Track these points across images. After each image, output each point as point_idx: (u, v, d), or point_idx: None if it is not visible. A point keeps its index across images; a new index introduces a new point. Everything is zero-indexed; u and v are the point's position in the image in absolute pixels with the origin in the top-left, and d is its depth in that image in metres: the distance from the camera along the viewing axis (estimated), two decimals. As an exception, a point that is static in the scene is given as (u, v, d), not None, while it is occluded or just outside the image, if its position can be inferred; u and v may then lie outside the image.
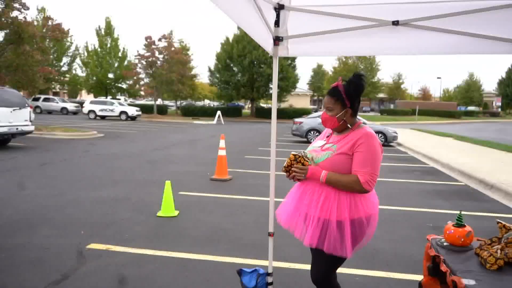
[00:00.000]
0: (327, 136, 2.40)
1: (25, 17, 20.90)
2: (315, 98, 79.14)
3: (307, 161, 2.27)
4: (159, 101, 44.74)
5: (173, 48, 37.24)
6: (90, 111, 31.31)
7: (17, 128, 11.88)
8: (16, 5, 20.37)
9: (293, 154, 2.29)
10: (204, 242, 4.44)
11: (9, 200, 5.90)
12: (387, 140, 16.88)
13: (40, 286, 3.20)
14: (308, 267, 3.56)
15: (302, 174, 2.25)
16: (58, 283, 3.26)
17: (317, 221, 2.20)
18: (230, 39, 40.21)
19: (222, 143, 8.41)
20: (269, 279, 2.72)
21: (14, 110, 11.71)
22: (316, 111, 34.85)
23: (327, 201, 2.20)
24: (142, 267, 3.68)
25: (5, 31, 20.30)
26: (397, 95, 72.93)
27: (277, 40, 2.77)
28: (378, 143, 2.19)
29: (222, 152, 8.28)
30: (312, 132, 16.66)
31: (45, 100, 36.61)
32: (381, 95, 68.37)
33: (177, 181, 7.50)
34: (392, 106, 67.45)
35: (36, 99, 35.92)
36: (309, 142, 15.96)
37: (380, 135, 16.92)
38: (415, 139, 19.98)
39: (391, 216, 5.77)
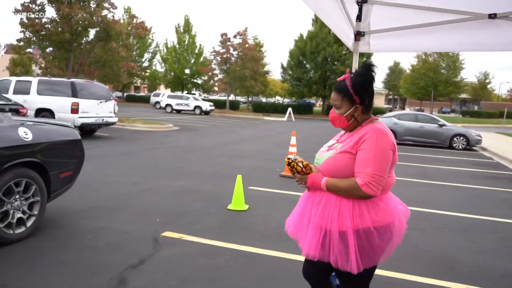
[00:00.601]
0: (341, 135, 2.16)
1: (113, 16, 22.45)
2: (390, 97, 75.99)
3: (299, 166, 2.06)
4: (232, 97, 45.78)
5: (247, 45, 37.85)
6: (167, 105, 32.90)
7: (102, 119, 12.81)
8: (106, 4, 21.93)
9: (287, 158, 2.12)
10: (273, 238, 4.45)
11: (94, 185, 6.37)
12: (470, 144, 15.72)
13: (120, 268, 3.41)
14: (380, 271, 3.38)
15: (302, 182, 2.07)
16: (135, 267, 3.45)
17: (316, 230, 1.99)
18: (304, 36, 39.91)
19: (293, 140, 8.37)
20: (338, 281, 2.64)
21: (100, 102, 12.65)
22: (391, 110, 33.46)
23: (327, 208, 1.97)
24: (212, 258, 3.77)
25: (96, 29, 21.97)
26: (482, 96, 67.63)
27: (358, 35, 2.67)
28: (387, 140, 1.91)
29: (293, 149, 8.25)
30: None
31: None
32: (463, 95, 63.81)
33: (247, 176, 7.60)
34: (476, 108, 62.72)
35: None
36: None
37: (462, 138, 15.80)
38: (502, 144, 18.38)
39: (473, 226, 5.35)
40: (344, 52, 37.24)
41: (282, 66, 41.86)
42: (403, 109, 67.59)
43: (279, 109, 39.84)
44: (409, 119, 16.49)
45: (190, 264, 3.62)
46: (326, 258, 1.97)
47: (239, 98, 58.23)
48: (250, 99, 54.79)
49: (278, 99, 77.31)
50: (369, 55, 37.24)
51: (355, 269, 1.90)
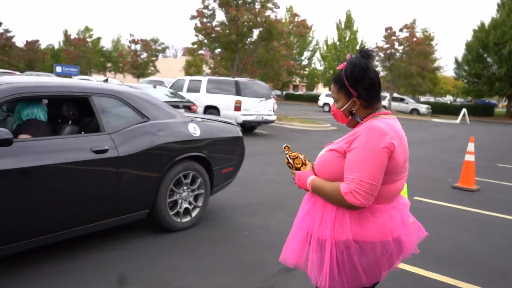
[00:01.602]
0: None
1: (275, 16, 23.55)
2: None
3: (290, 162, 1.90)
4: (394, 96, 43.52)
5: (414, 39, 35.45)
6: (325, 104, 33.09)
7: (262, 117, 13.50)
8: (269, 5, 23.12)
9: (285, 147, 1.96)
10: (444, 260, 3.94)
11: (252, 182, 6.70)
12: None
13: (274, 270, 3.45)
14: None
15: (293, 179, 1.89)
16: (289, 271, 3.44)
17: (298, 232, 1.83)
18: (486, 25, 35.38)
19: (470, 147, 7.39)
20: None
21: (261, 100, 13.35)
22: None
23: (313, 210, 1.79)
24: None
25: (259, 29, 23.38)
26: None
27: None
28: (380, 139, 1.63)
29: (470, 157, 7.28)
30: None
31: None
32: None
33: (413, 185, 7.01)
34: None
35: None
36: None
37: None
38: None
39: None
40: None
41: (457, 61, 37.96)
42: None
43: (450, 110, 36.24)
44: None
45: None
46: (303, 267, 1.82)
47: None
48: (417, 98, 51.25)
49: (448, 98, 70.48)
50: None
51: (325, 287, 1.71)
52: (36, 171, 2.98)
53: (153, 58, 48.47)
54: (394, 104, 34.89)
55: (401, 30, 35.66)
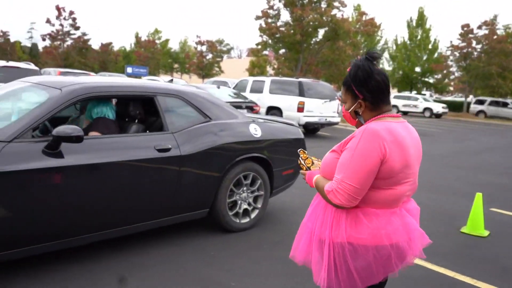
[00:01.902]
0: None
1: (342, 15, 23.14)
2: None
3: (301, 162, 2.05)
4: (470, 98, 41.01)
5: (495, 36, 33.16)
6: (393, 106, 31.85)
7: (325, 119, 13.31)
8: (336, 3, 22.76)
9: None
10: (524, 279, 3.62)
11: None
12: None
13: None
14: None
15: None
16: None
17: (304, 231, 1.91)
18: None
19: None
20: None
21: (325, 102, 13.16)
22: None
23: (317, 209, 1.87)
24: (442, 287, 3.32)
25: (325, 28, 23.10)
26: None
27: None
28: (373, 142, 1.66)
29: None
30: None
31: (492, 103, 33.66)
32: None
33: (488, 194, 6.54)
34: None
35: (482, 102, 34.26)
36: None
37: None
38: None
39: None
40: None
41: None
42: None
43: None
44: None
45: (411, 290, 3.27)
46: (311, 265, 1.88)
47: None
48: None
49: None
50: None
51: (324, 286, 1.78)
52: (104, 167, 3.15)
53: (218, 59, 49.69)
54: (492, 109, 32.12)
55: (479, 27, 33.57)
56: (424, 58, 42.91)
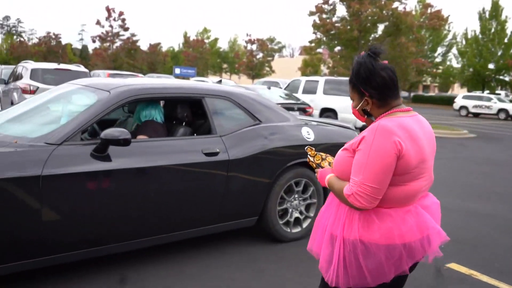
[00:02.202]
0: None
1: (404, 8, 22.52)
2: None
3: (311, 160, 2.14)
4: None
5: None
6: (462, 107, 30.59)
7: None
8: (398, -5, 22.20)
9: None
10: None
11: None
12: None
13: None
14: None
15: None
16: (411, 298, 3.23)
17: (319, 227, 2.02)
18: None
19: None
20: None
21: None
22: None
23: (330, 205, 1.97)
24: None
25: (385, 23, 22.58)
26: None
27: None
28: (387, 140, 1.72)
29: None
30: None
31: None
32: None
33: None
34: None
35: None
36: None
37: None
38: None
39: None
40: None
41: None
42: None
43: None
44: None
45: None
46: (316, 256, 2.01)
47: None
48: None
49: None
50: None
51: (332, 282, 1.87)
52: (151, 171, 3.26)
53: (269, 58, 50.02)
54: None
55: None
56: (499, 53, 40.74)
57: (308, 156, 2.16)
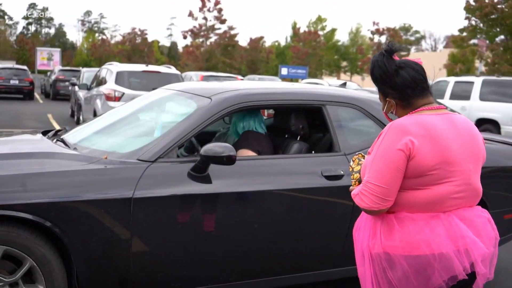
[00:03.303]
0: None
1: None
2: None
3: (350, 165, 2.35)
4: None
5: None
6: None
7: None
8: None
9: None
10: None
11: None
12: None
13: None
14: None
15: None
16: None
17: (354, 245, 2.29)
18: None
19: None
20: None
21: None
22: None
23: (361, 220, 2.26)
24: None
25: None
26: None
27: None
28: (395, 138, 2.00)
29: None
30: None
31: None
32: None
33: None
34: None
35: None
36: None
37: None
38: None
39: None
40: None
41: None
42: None
43: None
44: None
45: None
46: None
47: None
48: None
49: None
50: None
51: None
52: (257, 196, 3.36)
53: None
54: None
55: None
56: None
57: (351, 162, 2.39)
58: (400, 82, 2.11)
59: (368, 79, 54.59)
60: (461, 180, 2.05)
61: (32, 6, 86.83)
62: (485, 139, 4.70)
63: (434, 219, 2.03)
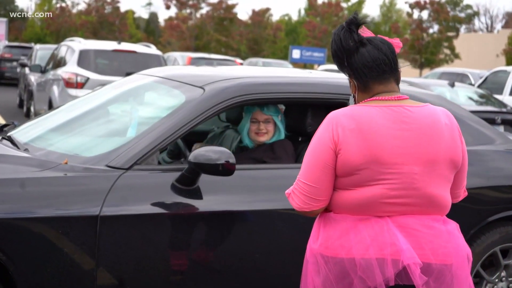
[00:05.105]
0: None
1: None
2: None
3: None
4: None
5: None
6: None
7: None
8: None
9: None
10: None
11: None
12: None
13: None
14: None
15: None
16: None
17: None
18: None
19: None
20: None
21: None
22: None
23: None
24: None
25: None
26: None
27: None
28: (325, 130, 2.22)
29: None
30: None
31: None
32: None
33: None
34: None
35: None
36: None
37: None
38: None
39: None
40: None
41: None
42: None
43: None
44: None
45: None
46: None
47: None
48: None
49: None
50: None
51: None
52: (259, 218, 3.36)
53: (450, 34, 48.77)
54: None
55: None
56: None
57: None
58: (359, 60, 2.26)
59: (405, 68, 54.66)
60: (400, 184, 2.18)
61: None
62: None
63: (363, 222, 2.22)
